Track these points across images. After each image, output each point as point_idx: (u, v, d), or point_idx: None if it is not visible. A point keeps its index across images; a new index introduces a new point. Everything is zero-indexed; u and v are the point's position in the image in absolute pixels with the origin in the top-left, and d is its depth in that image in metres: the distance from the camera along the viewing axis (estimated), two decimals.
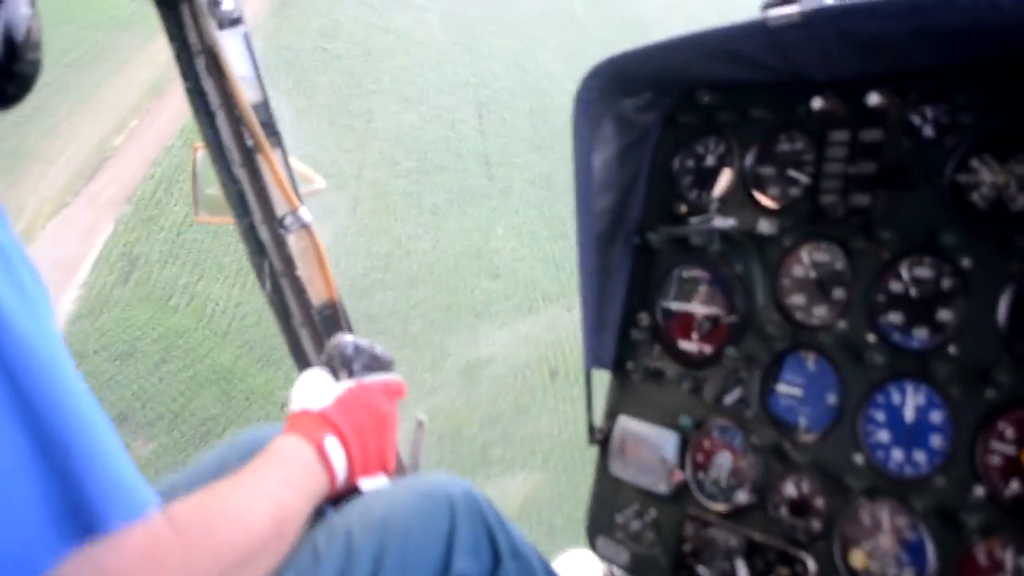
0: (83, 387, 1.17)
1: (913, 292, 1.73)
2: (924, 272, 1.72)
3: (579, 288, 2.12)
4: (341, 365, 1.87)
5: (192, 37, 2.15)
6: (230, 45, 2.17)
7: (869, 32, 1.64)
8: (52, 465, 1.10)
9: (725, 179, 2.02)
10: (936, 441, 1.66)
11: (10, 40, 1.32)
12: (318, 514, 1.84)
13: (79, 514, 1.11)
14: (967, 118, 1.69)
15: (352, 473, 1.67)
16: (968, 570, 1.58)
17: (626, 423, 2.11)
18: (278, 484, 1.47)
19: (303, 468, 1.56)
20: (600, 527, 2.16)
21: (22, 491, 1.08)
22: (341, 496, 1.78)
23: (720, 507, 1.94)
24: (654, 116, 2.13)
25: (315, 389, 1.78)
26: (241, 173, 2.30)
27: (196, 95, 2.22)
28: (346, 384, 1.80)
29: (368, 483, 1.74)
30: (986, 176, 1.66)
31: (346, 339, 1.90)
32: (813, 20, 1.64)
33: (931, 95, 1.73)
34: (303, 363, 2.47)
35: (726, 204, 2.02)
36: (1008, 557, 1.54)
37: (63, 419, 1.12)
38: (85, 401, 1.16)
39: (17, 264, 1.13)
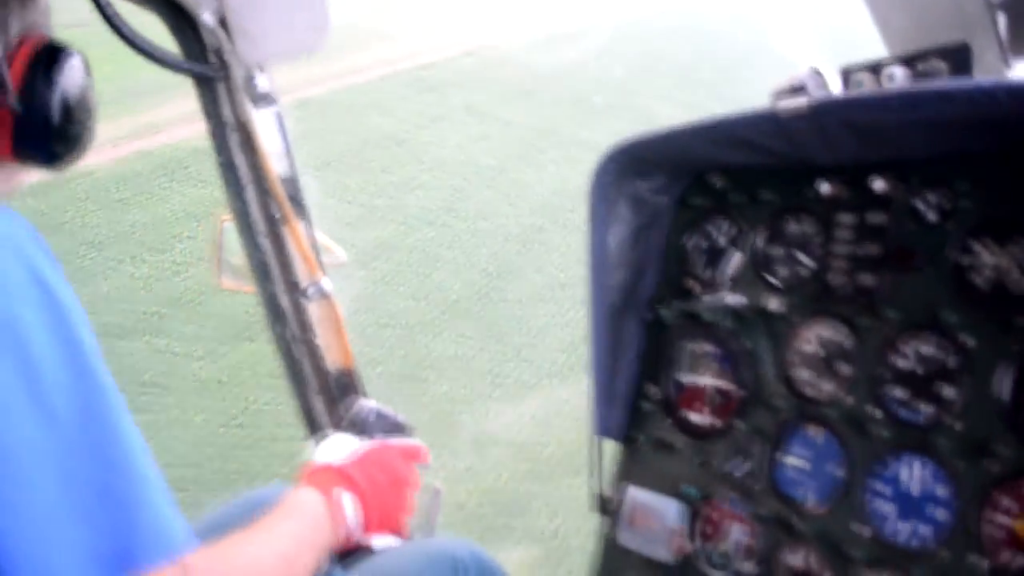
0: (131, 428, 1.21)
1: (918, 369, 1.80)
2: (927, 349, 1.80)
3: (590, 360, 2.18)
4: (361, 430, 1.92)
5: (226, 114, 2.26)
6: (263, 121, 2.29)
7: (872, 122, 1.74)
8: (93, 510, 1.14)
9: (736, 259, 2.11)
10: (939, 514, 1.72)
11: (67, 105, 1.41)
12: (326, 573, 1.87)
13: (111, 559, 1.14)
14: (967, 203, 1.79)
15: (364, 530, 1.69)
16: None
17: (635, 493, 2.15)
18: (288, 538, 1.50)
19: (315, 522, 1.59)
20: None
21: (61, 536, 1.12)
22: (350, 552, 1.80)
23: None
24: (667, 198, 2.23)
25: (337, 448, 1.82)
26: (265, 243, 2.38)
27: (228, 169, 2.31)
28: (367, 443, 1.84)
29: (378, 542, 1.76)
30: (986, 258, 1.76)
31: (368, 404, 1.96)
32: (819, 111, 1.75)
33: (932, 181, 1.83)
34: (314, 429, 2.51)
35: (736, 282, 2.10)
36: None
37: (106, 463, 1.17)
38: (131, 443, 1.20)
39: (69, 314, 1.19)
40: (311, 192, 2.41)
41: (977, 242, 1.77)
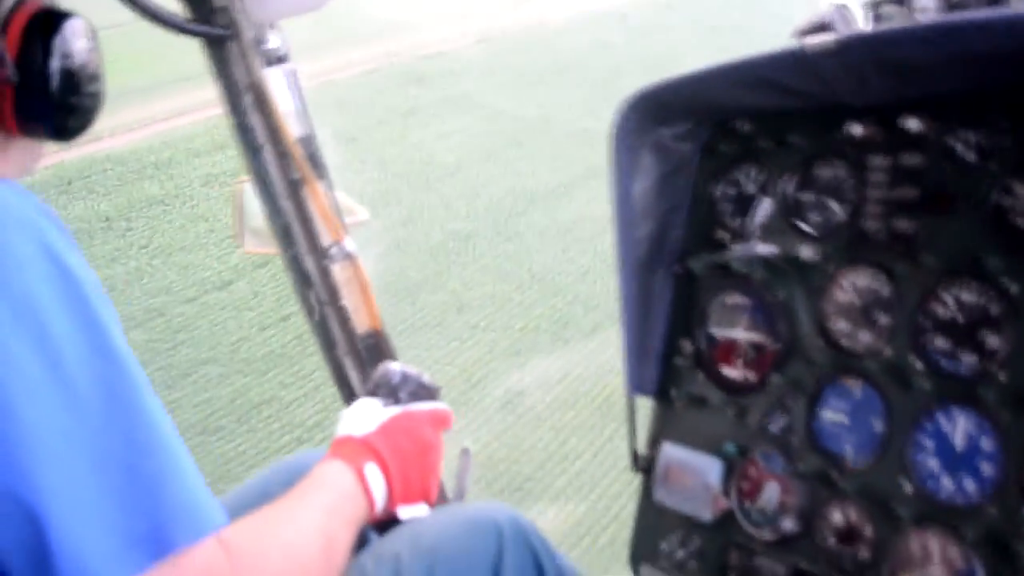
0: (154, 404, 1.19)
1: (959, 317, 1.72)
2: (970, 297, 1.71)
3: (620, 315, 2.13)
4: (387, 393, 1.89)
5: (238, 74, 2.21)
6: (276, 81, 2.23)
7: (904, 58, 1.64)
8: (124, 490, 1.12)
9: (766, 206, 2.03)
10: (987, 468, 1.65)
11: (68, 72, 1.35)
12: (362, 540, 1.86)
13: (146, 540, 1.13)
14: (1007, 142, 1.69)
15: (391, 501, 1.68)
16: None
17: (670, 450, 2.11)
18: (323, 512, 1.48)
19: (345, 495, 1.57)
20: (644, 555, 2.16)
21: (93, 519, 1.10)
22: (383, 523, 1.79)
23: (766, 535, 1.93)
24: (692, 145, 2.14)
25: (361, 416, 1.80)
26: (286, 205, 2.35)
27: (242, 131, 2.27)
28: (392, 411, 1.81)
29: (407, 511, 1.74)
30: None
31: (393, 367, 1.93)
32: (848, 47, 1.65)
33: (970, 119, 1.73)
34: (347, 391, 2.50)
35: (767, 231, 2.02)
36: None
37: (134, 442, 1.15)
38: (156, 420, 1.18)
39: (84, 288, 1.16)
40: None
41: (1019, 182, 1.67)
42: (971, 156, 1.73)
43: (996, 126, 1.70)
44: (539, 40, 13.34)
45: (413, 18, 13.80)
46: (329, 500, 1.53)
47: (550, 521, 4.29)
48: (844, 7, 1.81)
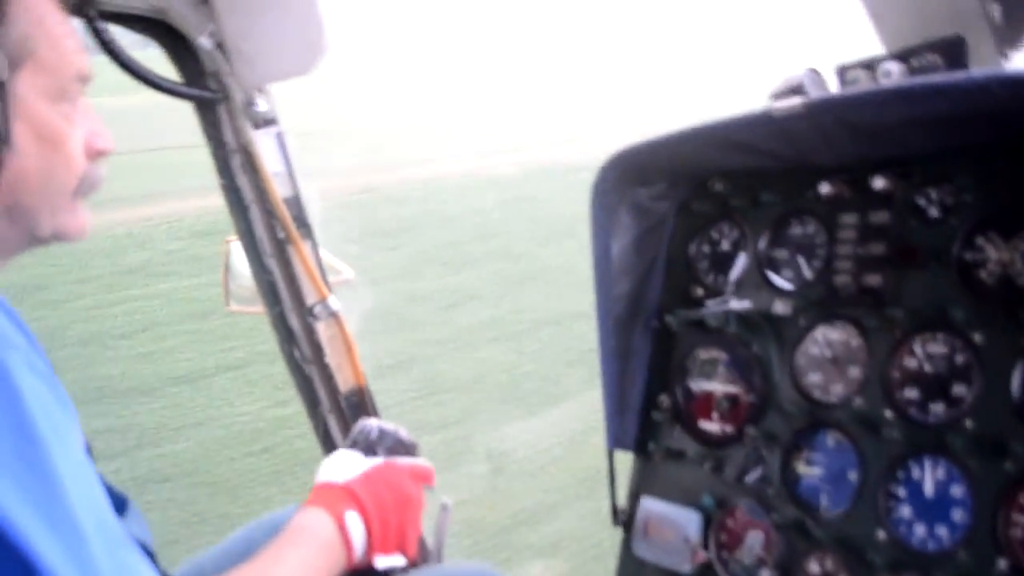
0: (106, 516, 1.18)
1: (927, 368, 1.77)
2: (937, 348, 1.76)
3: (600, 371, 2.17)
4: (365, 448, 1.90)
5: (228, 136, 2.28)
6: (264, 143, 2.30)
7: (868, 120, 1.72)
8: None
9: (740, 263, 2.09)
10: (957, 515, 1.68)
11: None
12: None
13: None
14: (969, 198, 1.76)
15: (370, 550, 1.68)
16: None
17: (649, 504, 2.13)
18: (298, 567, 1.48)
19: (323, 546, 1.56)
20: None
21: None
22: (357, 573, 1.78)
23: None
24: (669, 204, 2.21)
25: (342, 465, 1.81)
26: (272, 264, 2.39)
27: (231, 191, 2.33)
28: (373, 462, 1.82)
29: (385, 561, 1.74)
30: (992, 253, 1.72)
31: (371, 423, 1.94)
32: (814, 110, 1.73)
33: (933, 177, 1.81)
34: (330, 449, 2.51)
35: (742, 287, 2.08)
36: None
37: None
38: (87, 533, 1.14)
39: (25, 402, 1.13)
40: None
41: (982, 237, 1.74)
42: (935, 212, 1.80)
43: (959, 184, 1.77)
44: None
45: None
46: (306, 554, 1.52)
47: None
48: (815, 71, 1.90)
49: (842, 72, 1.92)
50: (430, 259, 11.36)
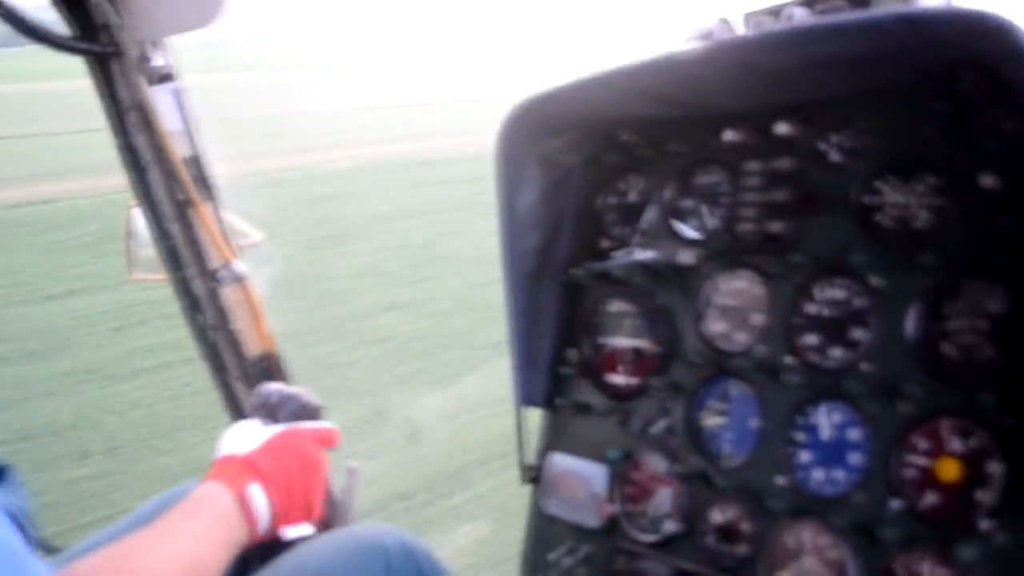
0: None
1: (827, 313, 1.77)
2: (836, 293, 1.76)
3: (508, 328, 2.13)
4: (267, 414, 1.85)
5: (122, 93, 2.18)
6: (161, 101, 2.21)
7: (768, 63, 1.70)
8: None
9: (649, 214, 2.07)
10: (855, 458, 1.68)
11: None
12: (246, 569, 1.79)
13: None
14: (870, 142, 1.75)
15: (276, 521, 1.63)
16: None
17: (558, 460, 2.11)
18: (189, 538, 1.43)
19: (221, 518, 1.51)
20: (535, 567, 2.14)
21: None
22: (265, 546, 1.73)
23: (650, 538, 1.93)
24: (578, 156, 2.17)
25: (243, 435, 1.75)
26: (174, 227, 2.31)
27: (127, 151, 2.24)
28: (275, 429, 1.77)
29: (292, 531, 1.69)
30: (890, 197, 1.72)
31: (272, 387, 1.89)
32: (715, 53, 1.70)
33: (836, 122, 1.80)
34: (238, 418, 2.44)
35: (649, 238, 2.06)
36: (926, 570, 1.54)
37: None
38: None
39: None
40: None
41: (881, 181, 1.74)
42: (837, 157, 1.79)
43: (860, 128, 1.76)
44: None
45: None
46: (199, 527, 1.46)
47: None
48: (725, 20, 1.89)
49: (748, 18, 1.91)
50: None
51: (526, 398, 2.16)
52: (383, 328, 8.69)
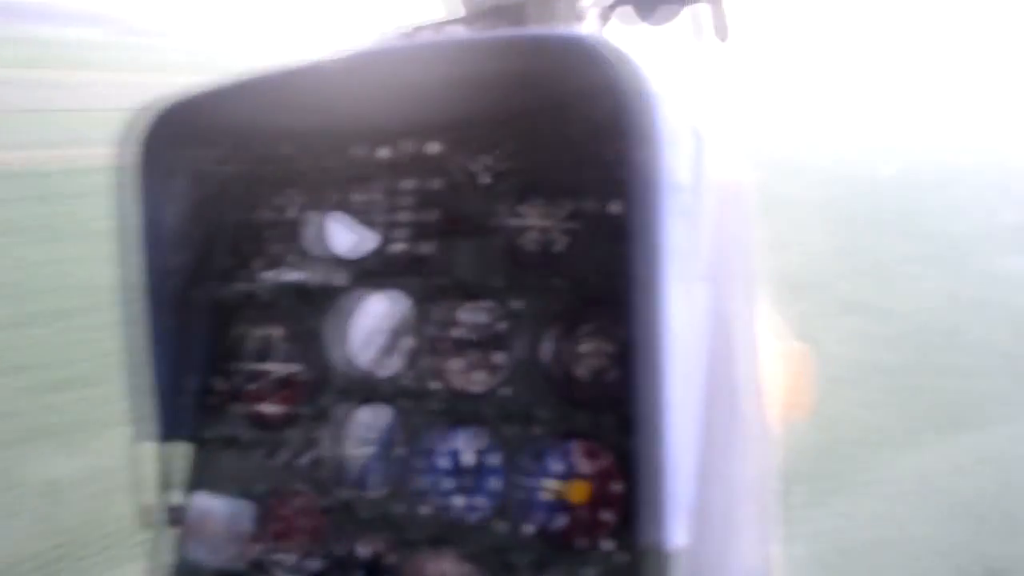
0: None
1: (472, 337, 1.74)
2: (480, 317, 1.74)
3: (147, 356, 1.92)
4: None
5: None
6: None
7: (413, 78, 1.65)
8: None
9: (305, 232, 1.96)
10: (493, 484, 1.65)
11: None
12: None
13: None
14: (515, 165, 1.75)
15: None
16: None
17: (201, 500, 1.93)
18: None
19: None
20: None
21: None
22: None
23: None
24: (233, 168, 2.03)
25: None
26: None
27: None
28: None
29: None
30: (533, 220, 1.72)
31: None
32: (356, 63, 1.63)
33: (485, 144, 1.78)
34: None
35: (303, 257, 1.95)
36: None
37: None
38: None
39: None
40: None
41: (524, 204, 1.74)
42: (486, 179, 1.78)
43: (505, 150, 1.76)
44: None
45: None
46: None
47: None
48: (406, 32, 1.84)
49: (416, 33, 1.87)
50: None
51: (167, 431, 1.96)
52: None
